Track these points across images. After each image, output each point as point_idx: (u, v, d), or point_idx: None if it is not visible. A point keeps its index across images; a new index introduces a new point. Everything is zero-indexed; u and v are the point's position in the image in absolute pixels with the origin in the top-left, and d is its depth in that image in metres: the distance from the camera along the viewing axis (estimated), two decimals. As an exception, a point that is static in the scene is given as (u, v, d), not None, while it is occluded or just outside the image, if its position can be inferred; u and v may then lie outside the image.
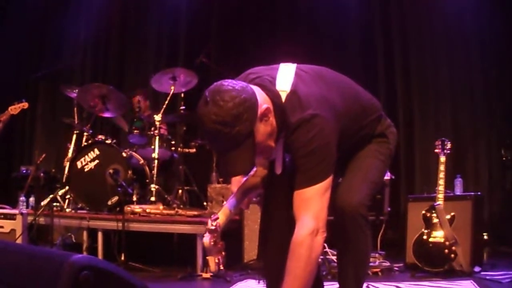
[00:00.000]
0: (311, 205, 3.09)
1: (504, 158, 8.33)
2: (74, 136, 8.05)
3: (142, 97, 8.50)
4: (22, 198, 7.62)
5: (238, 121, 2.86)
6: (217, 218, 3.11)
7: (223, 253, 3.14)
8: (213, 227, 3.07)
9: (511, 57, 8.47)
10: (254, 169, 3.36)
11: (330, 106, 3.18)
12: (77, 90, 8.11)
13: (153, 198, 7.61)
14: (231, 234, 7.29)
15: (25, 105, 7.48)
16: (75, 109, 8.28)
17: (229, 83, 2.96)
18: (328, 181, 3.11)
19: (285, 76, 3.22)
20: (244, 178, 3.41)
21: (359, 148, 3.48)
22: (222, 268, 3.13)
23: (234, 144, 2.89)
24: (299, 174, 3.08)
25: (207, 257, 3.13)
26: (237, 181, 3.46)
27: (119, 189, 7.10)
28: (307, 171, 3.07)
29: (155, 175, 7.74)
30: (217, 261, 3.12)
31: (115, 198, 7.27)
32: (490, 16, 8.58)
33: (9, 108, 7.46)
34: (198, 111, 2.96)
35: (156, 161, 7.77)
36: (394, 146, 3.61)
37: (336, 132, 3.15)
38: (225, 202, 3.25)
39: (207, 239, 3.05)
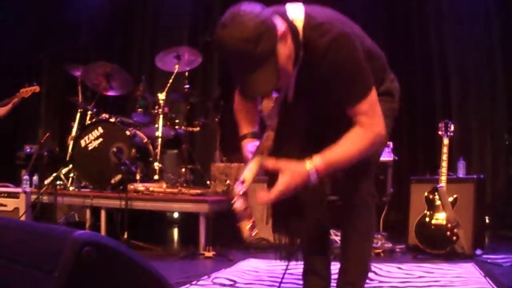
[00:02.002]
0: (375, 112, 3.13)
1: (507, 142, 8.33)
2: (78, 115, 8.10)
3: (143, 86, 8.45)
4: (26, 177, 7.65)
5: (260, 39, 2.81)
6: (244, 182, 3.11)
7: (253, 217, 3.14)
8: (242, 191, 3.08)
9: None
10: (265, 136, 3.35)
11: (349, 27, 3.19)
12: (81, 69, 8.12)
13: (156, 177, 7.63)
14: (232, 214, 7.32)
15: (36, 88, 7.53)
16: (79, 87, 8.30)
17: (246, 7, 2.91)
18: (374, 91, 3.13)
19: (295, 8, 3.18)
20: (257, 143, 3.38)
21: None
22: (255, 233, 3.15)
23: (257, 62, 2.84)
24: (346, 91, 3.07)
25: (240, 223, 3.13)
26: (250, 148, 3.43)
27: (122, 167, 7.11)
28: (351, 86, 3.07)
29: (158, 154, 7.75)
30: (250, 225, 3.13)
31: (119, 177, 7.30)
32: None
33: (21, 91, 7.50)
34: (217, 36, 2.91)
35: (159, 140, 7.79)
36: (398, 103, 3.63)
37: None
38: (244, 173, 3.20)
39: (238, 204, 3.06)
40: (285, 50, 2.97)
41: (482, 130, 8.65)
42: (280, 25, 2.98)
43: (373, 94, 3.11)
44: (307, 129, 3.34)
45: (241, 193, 3.08)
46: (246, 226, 3.12)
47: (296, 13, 3.14)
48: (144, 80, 8.31)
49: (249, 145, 3.46)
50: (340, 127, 3.13)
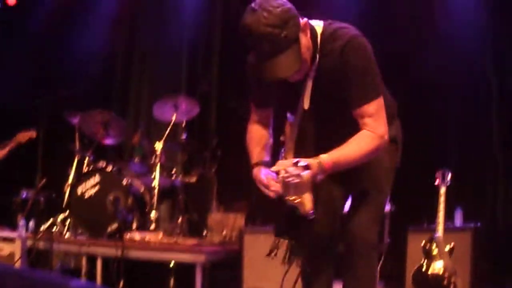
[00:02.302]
0: (380, 116, 3.32)
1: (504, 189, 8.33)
2: (75, 162, 8.10)
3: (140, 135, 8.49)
4: (22, 222, 7.62)
5: (286, 25, 3.06)
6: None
7: None
8: (304, 164, 3.17)
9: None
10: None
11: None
12: (79, 116, 8.16)
13: (152, 226, 7.62)
14: (229, 263, 7.30)
15: (33, 134, 7.55)
16: (77, 135, 8.32)
17: None
18: (382, 98, 3.34)
19: (315, 21, 3.43)
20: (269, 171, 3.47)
21: None
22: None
23: (282, 47, 3.07)
24: (356, 91, 3.28)
25: (303, 196, 3.25)
26: (265, 172, 3.56)
27: (119, 216, 7.13)
28: (362, 86, 3.28)
29: (155, 203, 7.75)
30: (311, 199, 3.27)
31: (115, 225, 7.29)
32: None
33: (17, 136, 7.52)
34: (243, 21, 3.13)
35: (156, 189, 7.79)
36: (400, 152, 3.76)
37: None
38: None
39: (306, 173, 3.12)
40: (305, 41, 3.22)
41: (479, 177, 8.65)
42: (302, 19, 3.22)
43: (381, 100, 3.30)
44: (319, 137, 3.52)
45: (304, 165, 3.16)
46: (309, 199, 3.27)
47: (316, 22, 3.41)
48: (142, 129, 8.34)
49: (263, 171, 3.58)
50: (351, 134, 3.32)
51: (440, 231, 6.35)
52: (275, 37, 3.05)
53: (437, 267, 6.29)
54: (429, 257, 6.38)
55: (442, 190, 6.55)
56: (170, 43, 10.41)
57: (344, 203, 3.76)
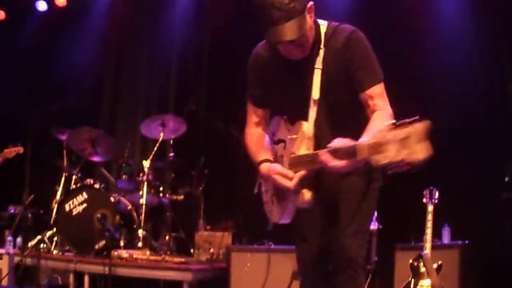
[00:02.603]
0: (386, 98, 3.53)
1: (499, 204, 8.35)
2: (63, 179, 8.09)
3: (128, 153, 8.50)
4: (10, 238, 7.60)
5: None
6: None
7: None
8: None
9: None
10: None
11: None
12: (67, 133, 8.15)
13: (140, 244, 7.60)
14: (216, 281, 7.29)
15: (20, 149, 7.48)
16: (65, 151, 8.30)
17: None
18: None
19: (320, 20, 3.72)
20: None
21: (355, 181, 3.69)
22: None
23: (289, 15, 3.33)
24: (364, 74, 3.52)
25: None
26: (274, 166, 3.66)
27: (106, 233, 7.13)
28: (369, 69, 3.54)
29: (142, 221, 7.73)
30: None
31: (102, 242, 7.28)
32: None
33: (5, 151, 7.48)
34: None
35: (143, 207, 7.78)
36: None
37: None
38: None
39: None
40: (309, 20, 3.49)
41: (468, 195, 8.67)
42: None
43: (383, 84, 3.55)
44: (329, 126, 3.65)
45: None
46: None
47: (321, 21, 3.70)
48: (129, 147, 8.34)
49: (275, 165, 3.65)
50: (356, 121, 3.51)
51: (427, 249, 6.35)
52: (284, 6, 3.32)
53: (425, 284, 6.29)
54: (417, 275, 6.38)
55: (430, 208, 6.55)
56: (158, 62, 10.45)
57: (331, 227, 3.77)
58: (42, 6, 10.95)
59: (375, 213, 7.01)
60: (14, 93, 10.25)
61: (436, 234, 6.77)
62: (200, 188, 8.56)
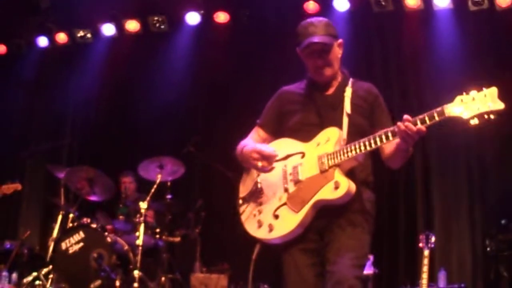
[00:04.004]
0: None
1: (488, 249, 8.36)
2: (60, 217, 8.06)
3: (130, 179, 8.59)
4: (5, 273, 7.58)
5: (329, 25, 4.13)
6: None
7: None
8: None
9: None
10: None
11: None
12: (64, 171, 8.17)
13: (136, 284, 7.56)
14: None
15: (18, 186, 7.50)
16: (62, 189, 8.30)
17: None
18: None
19: None
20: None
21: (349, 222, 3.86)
22: None
23: (322, 31, 4.04)
24: (384, 116, 4.13)
25: None
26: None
27: (102, 273, 7.11)
28: (388, 115, 4.13)
29: (138, 262, 7.71)
30: None
31: (98, 282, 7.25)
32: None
33: (2, 187, 7.49)
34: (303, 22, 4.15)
35: (140, 248, 7.77)
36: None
37: None
38: None
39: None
40: (337, 51, 4.13)
41: (462, 238, 8.68)
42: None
43: None
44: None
45: None
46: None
47: None
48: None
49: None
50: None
51: (423, 293, 6.36)
52: (320, 26, 4.06)
53: (421, 328, 6.28)
54: (413, 319, 6.38)
55: (426, 252, 6.57)
56: (156, 103, 10.53)
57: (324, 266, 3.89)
58: (43, 42, 11.08)
59: (371, 257, 7.08)
60: (12, 128, 10.30)
61: (432, 278, 6.77)
62: (197, 230, 8.57)
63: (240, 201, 4.15)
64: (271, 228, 3.89)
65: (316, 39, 3.99)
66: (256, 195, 4.06)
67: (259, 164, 3.94)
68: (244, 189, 4.16)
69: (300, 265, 3.89)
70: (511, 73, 8.13)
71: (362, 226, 3.89)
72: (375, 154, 3.99)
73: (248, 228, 4.03)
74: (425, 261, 6.50)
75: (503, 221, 7.93)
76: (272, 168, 3.95)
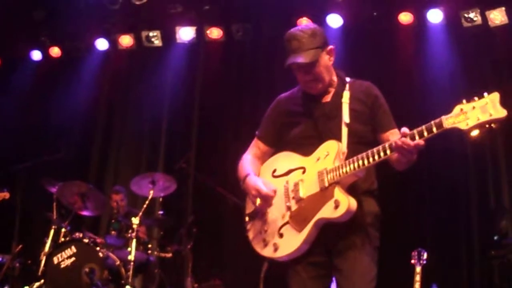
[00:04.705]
0: None
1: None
2: (52, 231, 8.03)
3: (120, 197, 8.60)
4: (-3, 287, 7.56)
5: (313, 35, 3.98)
6: None
7: None
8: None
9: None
10: None
11: None
12: (57, 185, 8.15)
13: (127, 300, 7.56)
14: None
15: (6, 195, 7.46)
16: (54, 204, 8.27)
17: None
18: None
19: None
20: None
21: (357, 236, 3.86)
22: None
23: (306, 46, 3.92)
24: (386, 119, 4.07)
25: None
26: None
27: (94, 288, 7.07)
28: (389, 116, 4.09)
29: (130, 277, 7.69)
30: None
31: (90, 297, 7.22)
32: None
33: None
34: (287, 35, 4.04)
35: (132, 263, 7.75)
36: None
37: None
38: None
39: None
40: (327, 62, 4.05)
41: (456, 254, 8.69)
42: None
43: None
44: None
45: None
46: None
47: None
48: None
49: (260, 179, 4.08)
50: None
51: (416, 309, 6.35)
52: (303, 39, 3.94)
53: None
54: (405, 335, 6.37)
55: (418, 269, 6.58)
56: (149, 119, 10.55)
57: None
58: (36, 55, 11.09)
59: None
60: (6, 141, 10.29)
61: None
62: (189, 246, 8.54)
63: (247, 218, 4.14)
64: (276, 248, 3.89)
65: (298, 58, 3.91)
66: (261, 212, 4.04)
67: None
68: (250, 206, 4.13)
69: (305, 277, 3.89)
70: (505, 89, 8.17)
71: (368, 245, 3.87)
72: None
73: (255, 247, 4.03)
74: (417, 278, 6.51)
75: (495, 237, 7.96)
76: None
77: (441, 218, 8.91)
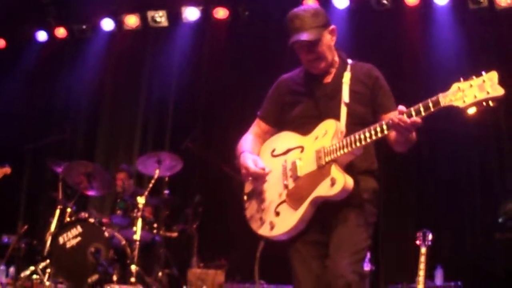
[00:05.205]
0: None
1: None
2: (58, 211, 8.05)
3: (126, 175, 8.61)
4: (2, 267, 7.58)
5: (315, 15, 4.00)
6: None
7: None
8: None
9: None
10: None
11: None
12: (63, 165, 8.17)
13: (133, 279, 7.57)
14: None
15: (7, 170, 7.40)
16: (60, 184, 8.29)
17: None
18: None
19: None
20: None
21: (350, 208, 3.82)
22: None
23: (309, 25, 3.94)
24: (387, 100, 4.07)
25: None
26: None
27: (99, 268, 7.12)
28: (390, 97, 4.09)
29: (136, 257, 7.72)
30: None
31: (95, 276, 7.25)
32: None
33: None
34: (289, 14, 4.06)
35: (137, 243, 7.77)
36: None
37: None
38: None
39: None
40: (329, 41, 4.06)
41: (459, 234, 8.69)
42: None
43: None
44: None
45: None
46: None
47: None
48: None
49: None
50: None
51: (420, 290, 6.36)
52: (306, 18, 3.95)
53: (417, 325, 6.28)
54: (409, 316, 6.39)
55: (423, 250, 6.56)
56: (155, 98, 10.57)
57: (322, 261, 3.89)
58: (42, 36, 11.09)
59: (368, 254, 7.08)
60: (11, 122, 10.31)
61: (429, 275, 6.78)
62: (194, 226, 8.57)
63: (245, 197, 4.15)
64: (272, 226, 3.90)
65: (302, 36, 3.91)
66: (259, 191, 4.04)
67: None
68: (248, 185, 4.14)
69: (306, 256, 3.89)
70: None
71: (362, 219, 3.85)
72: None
73: (252, 226, 4.04)
74: (422, 259, 6.49)
75: (500, 219, 7.95)
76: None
77: (444, 200, 8.91)
